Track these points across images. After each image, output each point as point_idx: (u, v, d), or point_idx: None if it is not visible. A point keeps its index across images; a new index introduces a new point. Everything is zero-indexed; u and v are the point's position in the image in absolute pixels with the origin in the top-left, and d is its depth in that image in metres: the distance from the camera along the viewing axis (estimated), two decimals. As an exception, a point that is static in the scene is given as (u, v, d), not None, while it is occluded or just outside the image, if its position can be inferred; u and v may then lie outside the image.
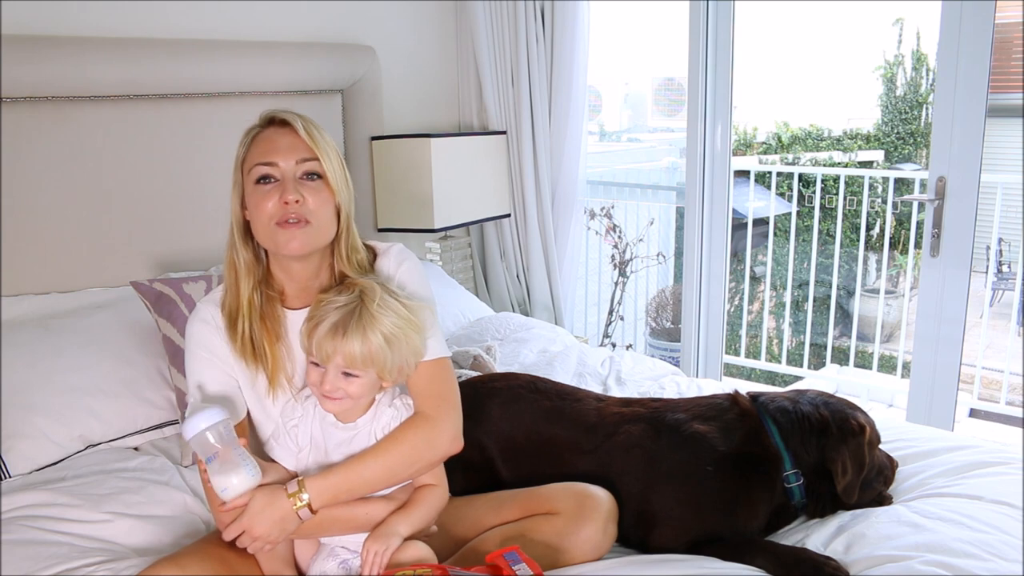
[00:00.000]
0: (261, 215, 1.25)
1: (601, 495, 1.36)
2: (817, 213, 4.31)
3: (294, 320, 1.32)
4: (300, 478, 1.22)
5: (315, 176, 1.26)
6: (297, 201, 1.23)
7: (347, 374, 1.22)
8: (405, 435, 1.28)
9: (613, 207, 3.78)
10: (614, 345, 3.70)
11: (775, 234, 5.96)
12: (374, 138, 2.66)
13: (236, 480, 1.15)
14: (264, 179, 1.25)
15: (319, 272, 1.33)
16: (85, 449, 1.67)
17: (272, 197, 1.24)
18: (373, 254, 1.39)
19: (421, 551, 1.25)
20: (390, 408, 1.30)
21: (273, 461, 1.30)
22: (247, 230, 1.29)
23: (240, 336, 1.28)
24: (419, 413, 1.32)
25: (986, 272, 4.86)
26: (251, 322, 1.28)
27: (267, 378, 1.30)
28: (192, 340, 1.32)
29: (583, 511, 1.33)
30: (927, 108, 8.02)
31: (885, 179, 5.34)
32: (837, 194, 4.81)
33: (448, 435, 1.32)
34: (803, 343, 4.64)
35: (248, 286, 1.29)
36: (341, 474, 1.23)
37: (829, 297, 4.27)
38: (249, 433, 1.34)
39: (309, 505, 1.20)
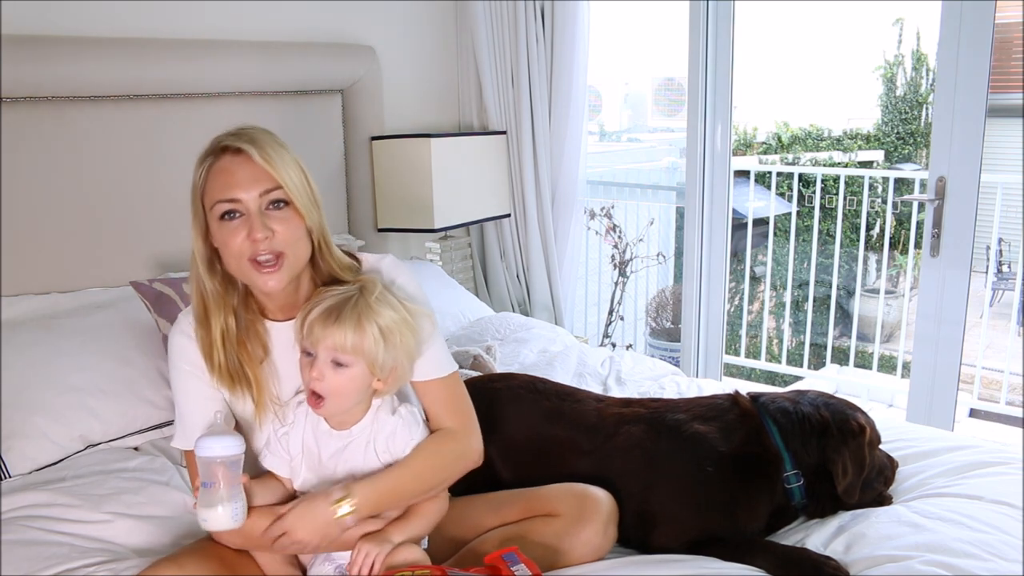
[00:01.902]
0: (230, 251, 1.20)
1: (601, 497, 1.35)
2: (817, 213, 4.31)
3: (279, 332, 1.30)
4: (347, 483, 1.21)
5: (281, 203, 1.21)
6: (267, 237, 1.18)
7: (337, 364, 1.19)
8: (440, 448, 1.30)
9: (613, 207, 3.78)
10: (614, 345, 3.70)
11: (775, 234, 5.96)
12: (374, 138, 2.66)
13: (222, 513, 1.14)
14: (228, 214, 1.19)
15: (298, 288, 1.29)
16: (85, 449, 1.66)
17: (239, 233, 1.18)
18: (357, 264, 1.36)
19: (416, 554, 1.24)
20: (394, 416, 1.27)
21: (268, 473, 1.29)
22: (212, 259, 1.24)
23: (217, 367, 1.25)
24: (446, 429, 1.33)
25: (986, 272, 4.86)
26: (227, 351, 1.25)
27: (253, 402, 1.27)
28: (174, 353, 1.29)
29: (583, 513, 1.32)
30: (927, 108, 8.02)
31: (885, 179, 5.34)
32: (837, 194, 4.81)
33: (477, 449, 1.36)
34: (803, 343, 4.64)
35: (220, 318, 1.24)
36: (387, 481, 1.23)
37: (829, 297, 4.27)
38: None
39: (355, 511, 1.20)
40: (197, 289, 1.26)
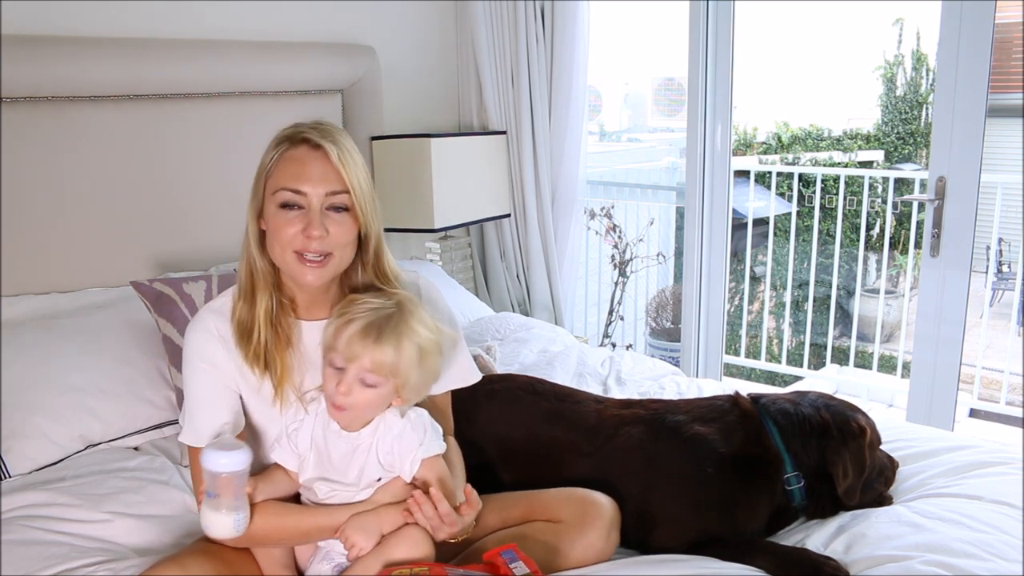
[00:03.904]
0: (280, 239, 1.21)
1: (604, 502, 1.35)
2: (817, 213, 4.31)
3: (307, 330, 1.30)
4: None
5: (343, 208, 1.22)
6: (321, 236, 1.19)
7: (365, 383, 1.18)
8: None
9: (613, 207, 3.78)
10: (614, 345, 3.70)
11: (775, 234, 5.95)
12: (374, 138, 2.66)
13: (225, 520, 1.15)
14: (289, 205, 1.21)
15: (328, 289, 1.30)
16: (85, 449, 1.66)
17: (295, 225, 1.20)
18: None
19: (423, 550, 1.23)
20: (402, 419, 1.24)
21: (274, 466, 1.29)
22: (262, 239, 1.25)
23: (254, 346, 1.25)
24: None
25: (986, 272, 4.86)
26: (266, 331, 1.25)
27: (273, 386, 1.27)
28: (190, 349, 1.29)
29: (586, 518, 1.32)
30: (927, 108, 8.02)
31: (885, 179, 5.35)
32: (837, 194, 4.81)
33: None
34: (803, 343, 4.64)
35: (265, 296, 1.25)
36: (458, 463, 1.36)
37: (829, 297, 4.28)
38: (249, 439, 1.33)
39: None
40: (247, 266, 1.27)
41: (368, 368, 1.17)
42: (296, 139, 1.23)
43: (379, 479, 1.24)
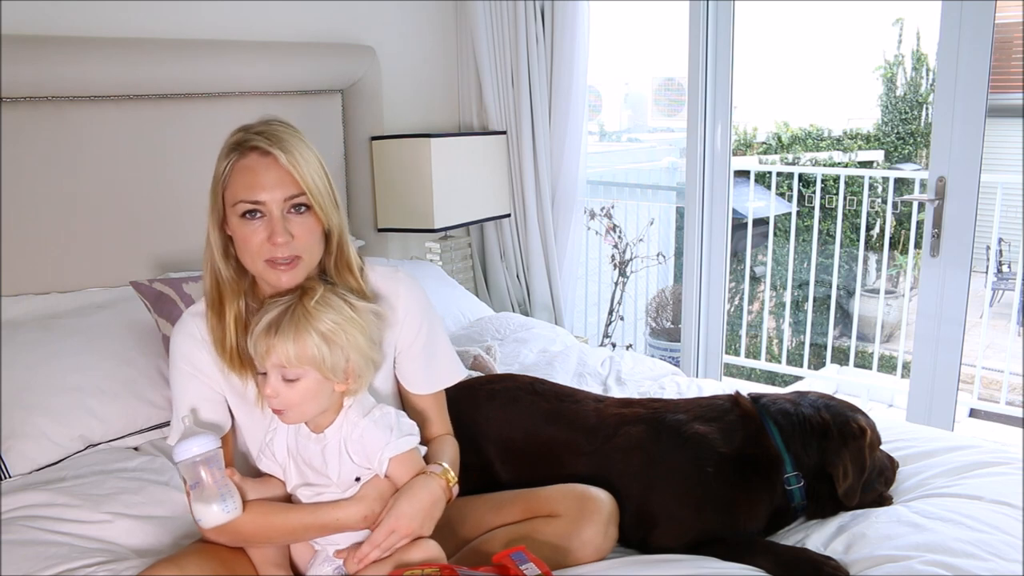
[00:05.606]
0: (248, 250, 1.22)
1: (602, 497, 1.35)
2: (817, 213, 4.31)
3: None
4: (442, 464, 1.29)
5: (303, 207, 1.23)
6: (287, 242, 1.20)
7: (286, 379, 1.18)
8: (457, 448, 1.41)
9: (613, 207, 3.78)
10: (614, 345, 3.70)
11: (775, 234, 5.96)
12: (374, 138, 2.66)
13: (216, 508, 1.16)
14: (250, 213, 1.21)
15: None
16: (85, 449, 1.66)
17: (260, 234, 1.20)
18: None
19: (431, 551, 1.24)
20: (365, 419, 1.24)
21: (264, 475, 1.29)
22: (227, 247, 1.25)
23: (229, 352, 1.26)
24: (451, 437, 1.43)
25: (986, 272, 4.86)
26: (238, 334, 1.26)
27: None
28: (175, 352, 1.30)
29: (584, 513, 1.33)
30: (927, 108, 8.02)
31: (885, 179, 5.35)
32: (837, 194, 4.81)
33: None
34: (803, 343, 4.64)
35: (234, 303, 1.26)
36: (451, 454, 1.36)
37: (829, 297, 4.28)
38: (234, 443, 1.33)
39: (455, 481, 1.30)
40: (212, 276, 1.27)
41: (278, 363, 1.17)
42: (245, 147, 1.22)
43: (358, 478, 1.24)
